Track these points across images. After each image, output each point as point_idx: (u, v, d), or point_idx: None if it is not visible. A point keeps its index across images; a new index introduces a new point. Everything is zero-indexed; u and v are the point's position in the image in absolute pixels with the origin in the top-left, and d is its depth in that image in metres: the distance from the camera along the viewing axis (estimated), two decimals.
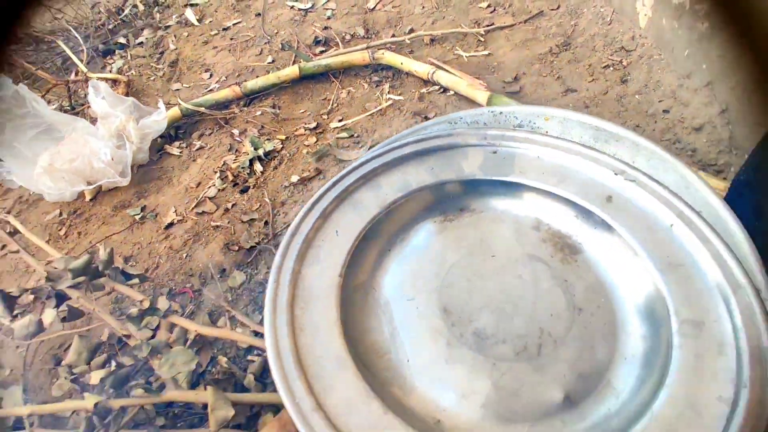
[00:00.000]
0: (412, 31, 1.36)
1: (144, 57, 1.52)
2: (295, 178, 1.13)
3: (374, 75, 1.29)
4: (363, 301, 0.47)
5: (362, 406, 0.39)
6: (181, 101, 1.29)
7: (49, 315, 0.92)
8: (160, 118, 1.23)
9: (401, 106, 1.21)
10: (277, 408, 0.77)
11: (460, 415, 0.41)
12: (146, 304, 0.88)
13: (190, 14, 1.58)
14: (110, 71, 1.56)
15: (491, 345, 0.45)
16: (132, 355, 0.85)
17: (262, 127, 1.25)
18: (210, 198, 1.14)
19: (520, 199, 0.54)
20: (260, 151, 1.18)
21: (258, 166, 1.17)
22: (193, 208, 1.13)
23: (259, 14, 1.52)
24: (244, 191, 1.14)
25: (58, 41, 1.52)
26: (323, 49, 1.39)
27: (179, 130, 1.30)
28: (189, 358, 0.84)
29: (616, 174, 0.52)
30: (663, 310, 0.44)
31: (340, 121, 1.22)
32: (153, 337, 0.88)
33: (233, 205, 1.12)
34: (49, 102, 1.36)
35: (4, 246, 1.12)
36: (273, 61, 1.40)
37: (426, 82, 1.23)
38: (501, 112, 0.59)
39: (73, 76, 1.59)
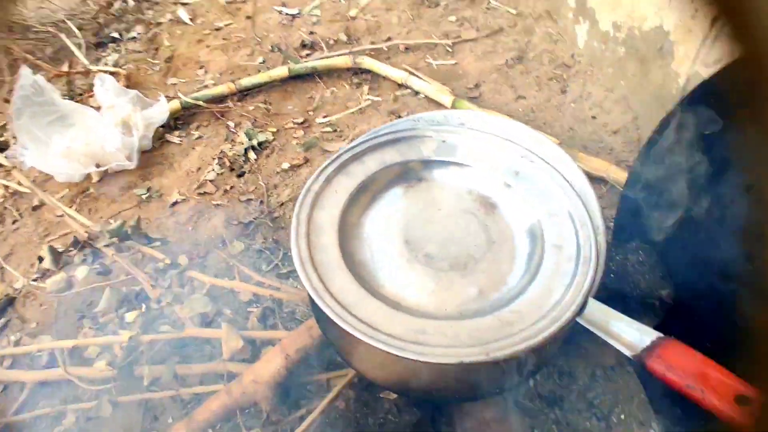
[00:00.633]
0: (389, 39, 1.73)
1: (140, 52, 1.83)
2: (286, 165, 1.47)
3: (355, 77, 1.65)
4: (353, 234, 0.83)
5: (352, 291, 0.74)
6: (181, 95, 1.61)
7: (82, 271, 1.23)
8: (162, 109, 1.55)
9: (378, 106, 1.57)
10: (273, 344, 1.11)
11: (414, 300, 0.76)
12: (168, 261, 1.20)
13: (183, 13, 1.90)
14: (105, 64, 1.85)
15: (436, 262, 0.82)
16: (157, 302, 1.16)
17: (255, 120, 1.58)
18: (210, 181, 1.47)
19: (459, 173, 0.91)
20: (254, 141, 1.51)
21: (252, 155, 1.51)
22: (195, 190, 1.45)
23: (250, 17, 1.85)
24: (240, 175, 1.47)
25: (59, 34, 1.80)
26: (309, 52, 1.74)
27: (178, 120, 1.62)
28: (204, 304, 1.16)
29: (522, 156, 0.89)
30: (541, 238, 0.80)
31: (324, 117, 1.57)
32: (173, 287, 1.19)
33: (231, 188, 1.45)
34: None
35: (40, 205, 1.40)
36: (264, 62, 1.74)
37: (400, 86, 1.60)
38: (450, 115, 0.95)
39: (66, 67, 1.86)
